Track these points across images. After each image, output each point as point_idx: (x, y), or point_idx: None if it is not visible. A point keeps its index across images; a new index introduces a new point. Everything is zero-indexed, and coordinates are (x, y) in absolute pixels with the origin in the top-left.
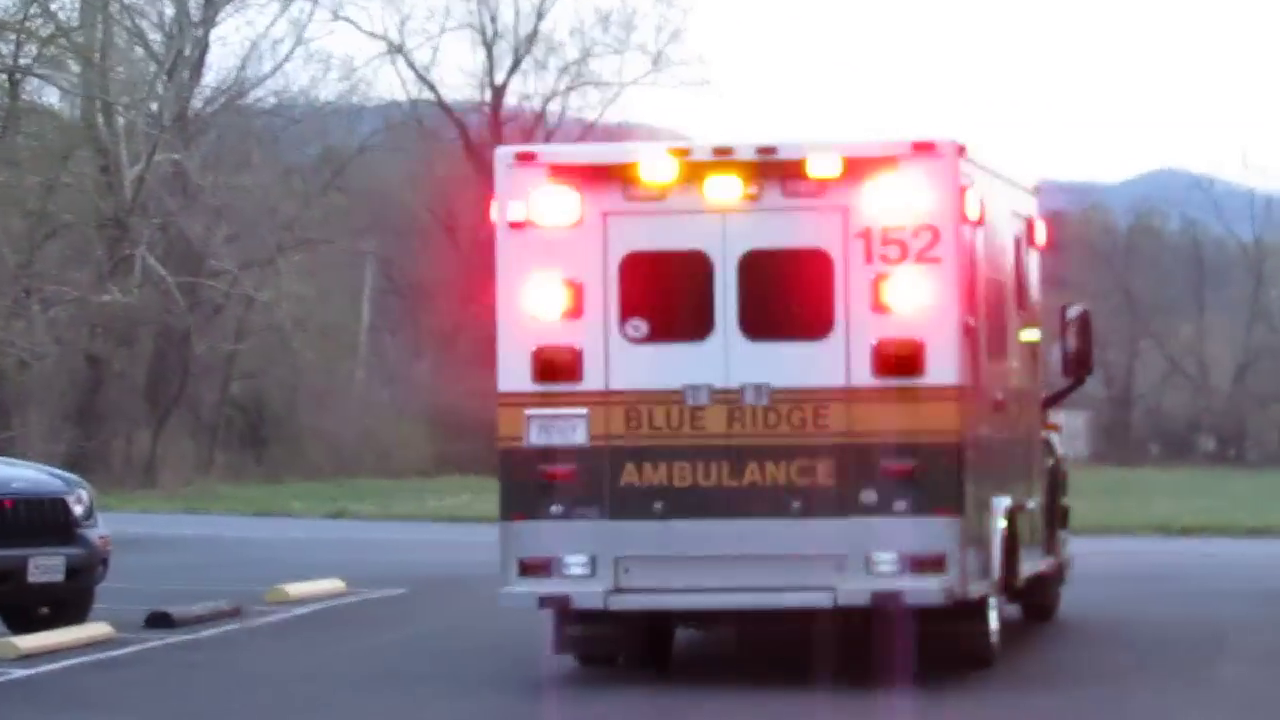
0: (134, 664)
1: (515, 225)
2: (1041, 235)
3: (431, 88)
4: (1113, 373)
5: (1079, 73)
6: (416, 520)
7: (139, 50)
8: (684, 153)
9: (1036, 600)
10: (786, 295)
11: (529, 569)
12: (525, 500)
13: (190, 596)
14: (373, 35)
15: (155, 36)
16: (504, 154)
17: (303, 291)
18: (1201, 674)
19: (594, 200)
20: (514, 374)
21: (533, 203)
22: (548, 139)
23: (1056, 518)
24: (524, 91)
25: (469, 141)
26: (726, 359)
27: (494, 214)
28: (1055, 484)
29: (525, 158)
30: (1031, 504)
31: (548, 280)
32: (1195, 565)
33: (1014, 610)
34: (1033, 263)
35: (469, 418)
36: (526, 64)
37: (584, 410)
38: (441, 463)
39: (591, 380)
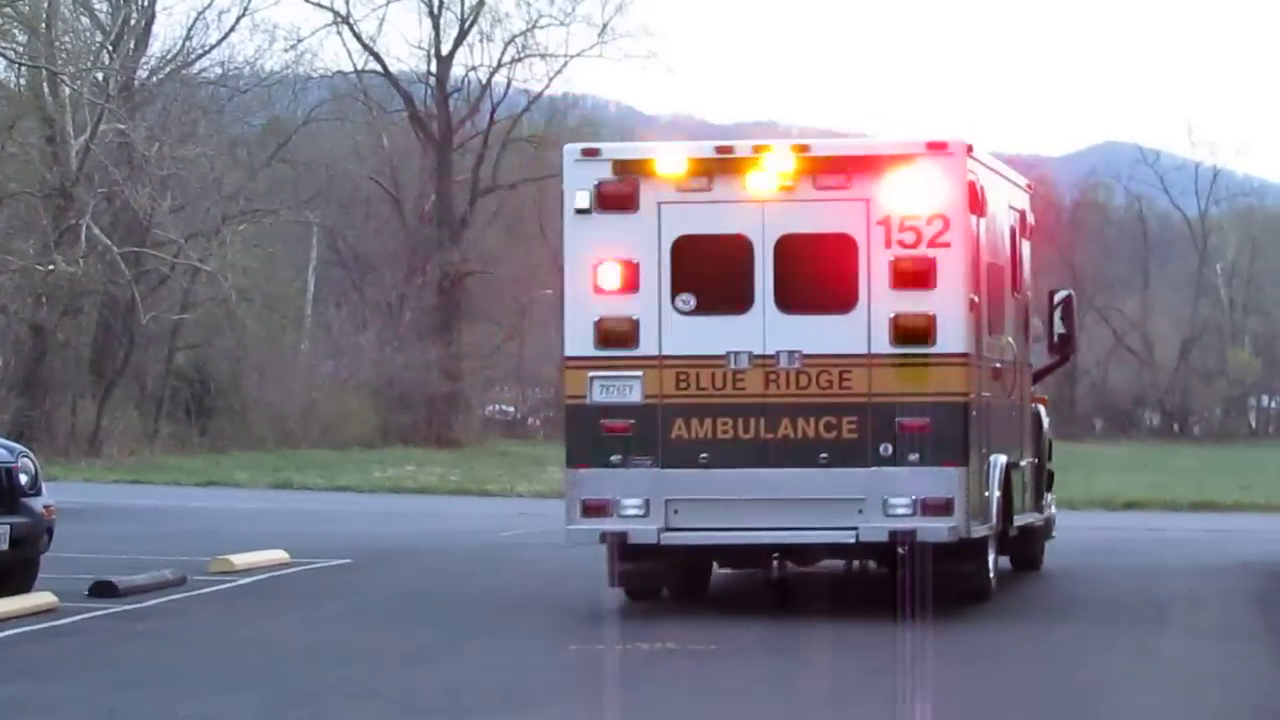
0: (77, 633)
1: (581, 212)
2: (1030, 226)
3: (377, 59)
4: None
5: (1023, 44)
6: (361, 492)
7: (84, 20)
8: (729, 150)
9: (1024, 553)
10: (816, 274)
11: (590, 510)
12: (588, 450)
13: (134, 566)
14: (319, 6)
15: (101, 6)
16: (571, 149)
17: (248, 262)
18: (1146, 648)
19: (650, 191)
20: (578, 341)
21: (596, 193)
22: (493, 111)
23: (1043, 479)
24: (470, 63)
25: (415, 112)
26: (764, 329)
27: (563, 203)
28: (1042, 449)
29: (590, 152)
30: (1024, 463)
31: (609, 260)
32: (1139, 540)
33: (1004, 561)
34: (1025, 251)
35: (413, 390)
36: (472, 35)
37: (639, 373)
38: (386, 434)
39: (646, 347)
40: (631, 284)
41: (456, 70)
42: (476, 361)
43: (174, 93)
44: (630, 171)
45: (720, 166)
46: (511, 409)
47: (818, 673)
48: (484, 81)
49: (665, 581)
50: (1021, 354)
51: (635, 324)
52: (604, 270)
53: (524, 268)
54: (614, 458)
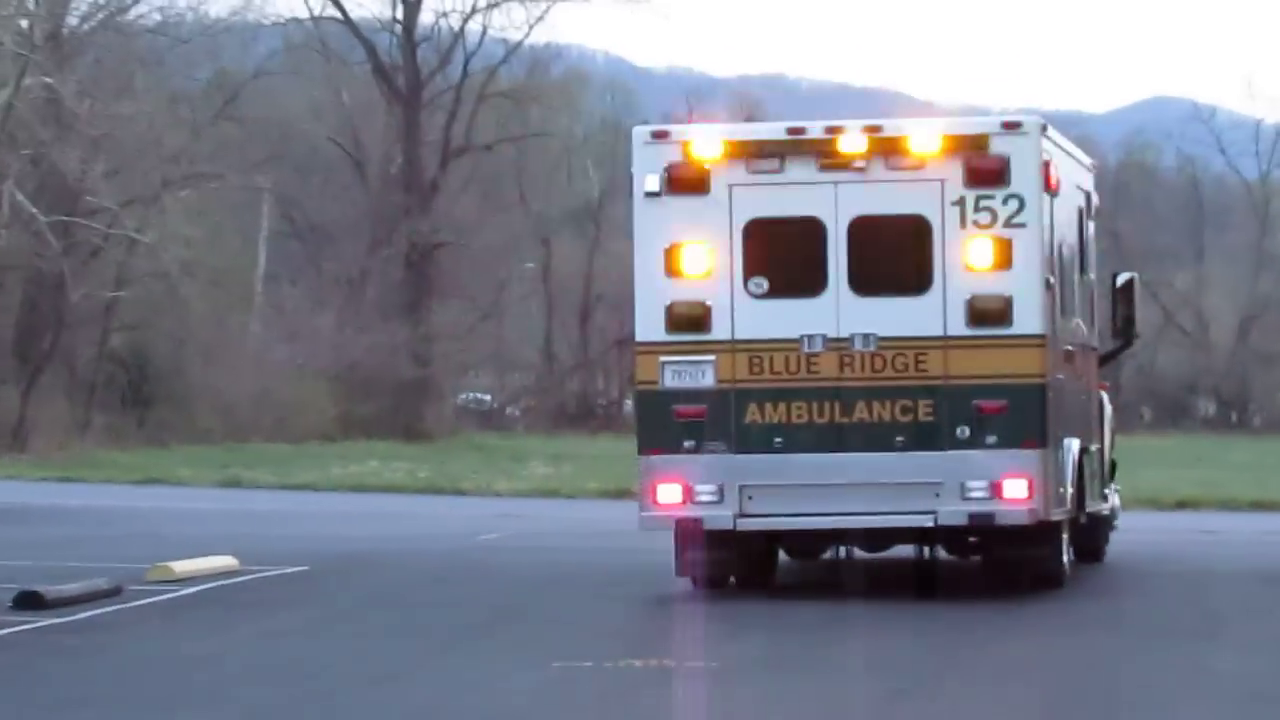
0: (0, 649)
1: (651, 195)
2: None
3: (337, 4)
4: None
5: None
6: (319, 490)
7: None
8: (800, 131)
9: (1090, 542)
10: (890, 256)
11: (664, 495)
12: (660, 436)
13: (64, 574)
14: None
15: None
16: (640, 132)
17: (191, 233)
18: (1200, 665)
19: (721, 173)
20: (650, 326)
21: (667, 176)
22: (466, 63)
23: (1107, 468)
24: (440, 8)
25: (379, 65)
26: (838, 312)
27: (633, 185)
28: (1105, 437)
29: (660, 135)
30: (1094, 448)
31: (679, 243)
32: (1191, 544)
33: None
34: (1091, 232)
35: (378, 376)
36: None
37: (712, 357)
38: (346, 426)
39: (719, 331)
40: (703, 268)
41: (425, 17)
42: (449, 344)
43: (107, 42)
44: (703, 154)
45: (792, 148)
46: (488, 397)
47: (824, 696)
48: (456, 29)
49: (734, 570)
50: (1090, 337)
51: (707, 308)
52: (675, 254)
53: (502, 238)
54: (687, 443)
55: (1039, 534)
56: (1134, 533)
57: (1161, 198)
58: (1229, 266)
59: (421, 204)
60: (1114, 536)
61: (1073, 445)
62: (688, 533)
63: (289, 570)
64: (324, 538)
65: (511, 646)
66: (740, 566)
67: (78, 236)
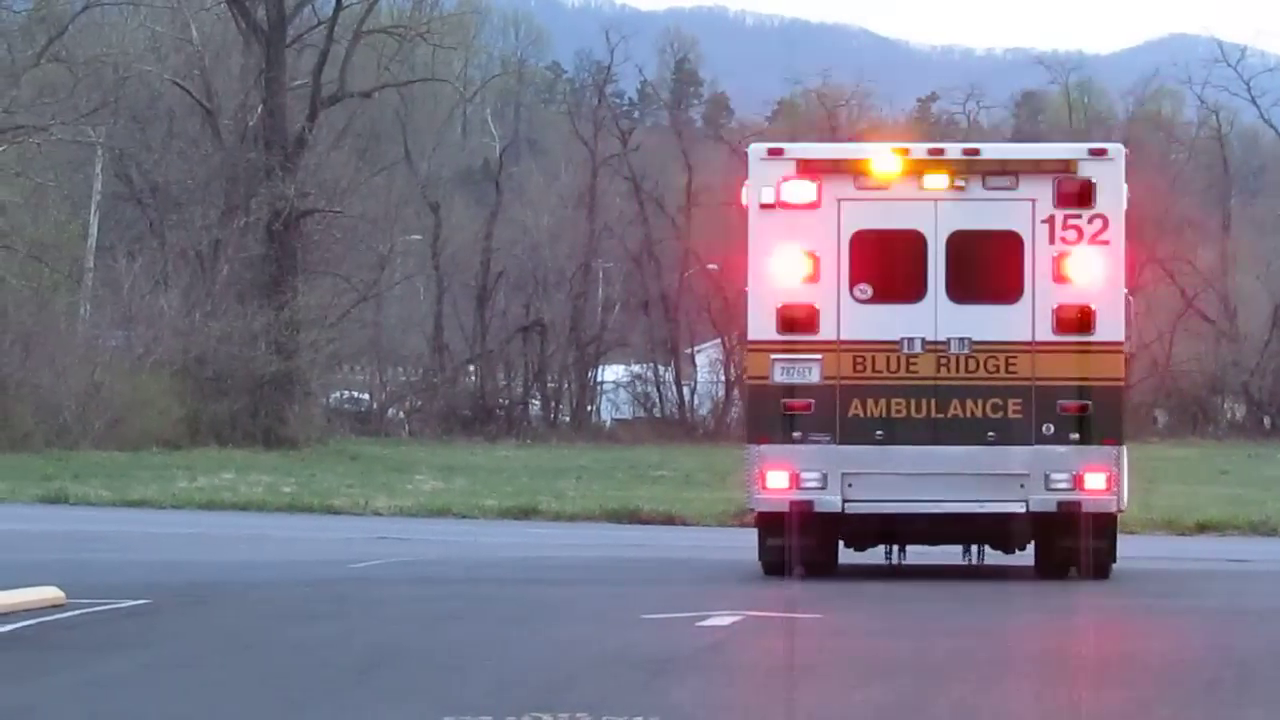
0: None
1: (765, 207)
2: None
3: None
4: None
5: None
6: (161, 508)
7: None
8: (905, 152)
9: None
10: (985, 268)
11: (772, 482)
12: (770, 427)
13: None
14: None
15: None
16: (757, 149)
17: (8, 197)
18: None
19: (830, 188)
20: (762, 326)
21: (780, 189)
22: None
23: None
24: None
25: None
26: (936, 317)
27: (745, 197)
28: None
29: (775, 152)
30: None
31: (791, 252)
32: (1215, 574)
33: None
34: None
35: (232, 370)
36: None
37: (819, 356)
38: (195, 430)
39: (825, 332)
40: (813, 274)
41: None
42: (318, 332)
43: None
44: (813, 170)
45: (897, 167)
46: (366, 396)
47: None
48: None
49: (804, 557)
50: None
51: (815, 311)
52: (786, 261)
53: (383, 204)
54: (795, 434)
55: (1098, 526)
56: (1147, 560)
57: (1181, 156)
58: (1261, 240)
59: (286, 163)
60: (1124, 566)
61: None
62: (786, 518)
63: (124, 605)
64: (167, 565)
65: (391, 697)
66: (809, 555)
67: None
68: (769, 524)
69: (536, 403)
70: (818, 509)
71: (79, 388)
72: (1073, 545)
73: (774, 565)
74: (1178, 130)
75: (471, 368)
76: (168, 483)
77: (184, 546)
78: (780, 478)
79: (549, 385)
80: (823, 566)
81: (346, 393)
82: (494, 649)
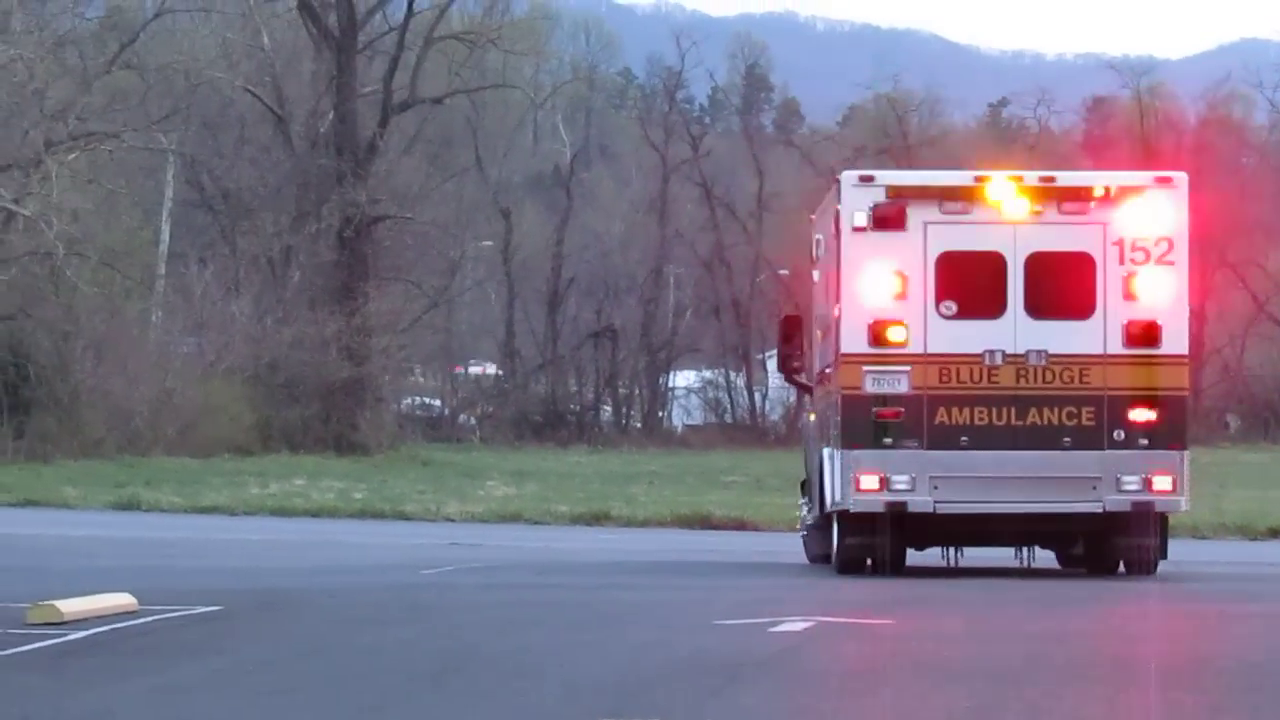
0: None
1: (858, 229)
2: None
3: None
4: None
5: None
6: (233, 514)
7: None
8: (987, 179)
9: None
10: (1060, 286)
11: (865, 485)
12: (862, 433)
13: None
14: None
15: None
16: (849, 176)
17: (80, 204)
18: None
19: (917, 212)
20: (854, 340)
21: (871, 213)
22: (410, 1)
23: None
24: None
25: (307, 2)
26: (1015, 332)
27: (837, 221)
28: None
29: (865, 179)
30: None
31: (882, 271)
32: None
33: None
34: None
35: (304, 376)
36: None
37: (907, 368)
38: (267, 437)
39: (913, 345)
40: (901, 292)
41: None
42: (390, 338)
43: None
44: (902, 196)
45: (980, 193)
46: (438, 403)
47: None
48: None
49: (874, 554)
50: None
51: (905, 326)
52: (876, 281)
53: (454, 210)
54: (886, 440)
55: (1148, 525)
56: (1221, 565)
57: (1252, 160)
58: None
59: (357, 169)
60: (1194, 571)
61: None
62: (868, 519)
63: (197, 611)
64: (239, 572)
65: (463, 702)
66: (879, 553)
67: None
68: (849, 525)
69: (608, 408)
70: (911, 509)
71: (151, 394)
72: (1129, 543)
73: (850, 564)
74: (1249, 134)
75: (543, 374)
76: (239, 489)
77: (256, 553)
78: (872, 481)
79: (620, 391)
80: (894, 565)
81: (418, 399)
82: (566, 654)
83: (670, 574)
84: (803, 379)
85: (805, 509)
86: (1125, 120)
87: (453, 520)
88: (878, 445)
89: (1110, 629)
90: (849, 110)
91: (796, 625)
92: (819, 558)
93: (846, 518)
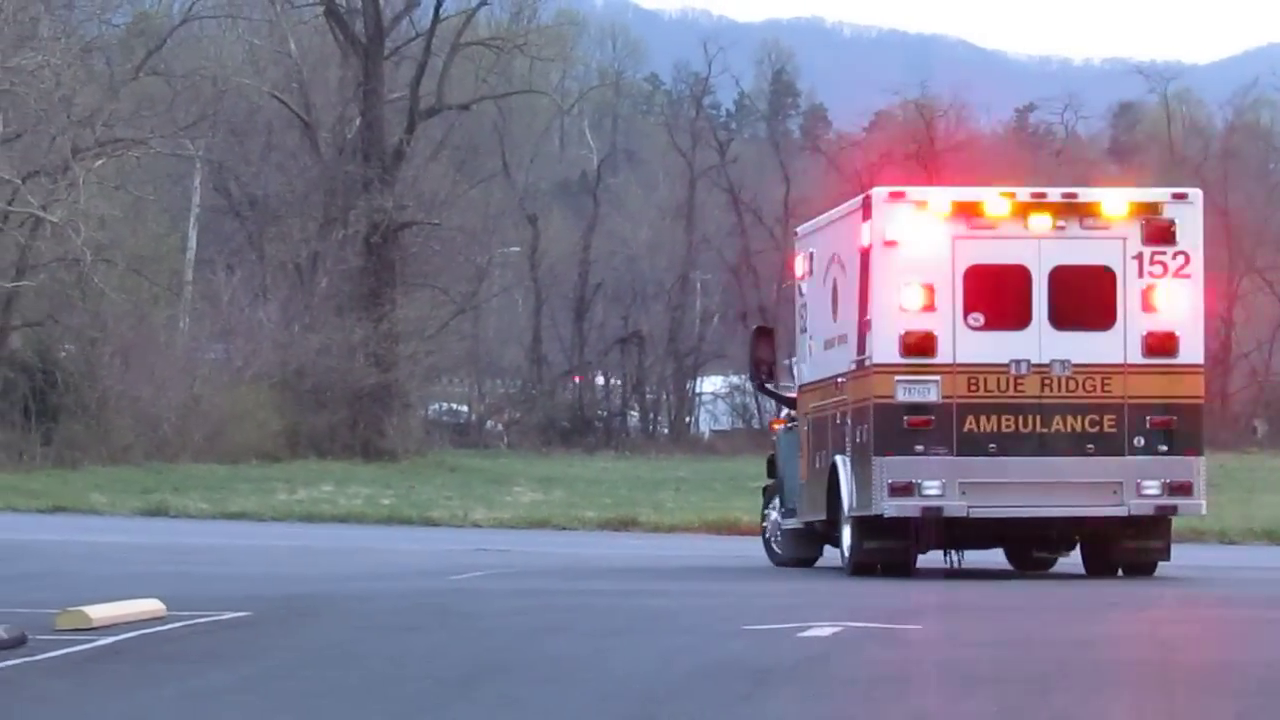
0: None
1: (888, 243)
2: None
3: None
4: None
5: None
6: (261, 520)
7: None
8: (1012, 195)
9: None
10: (1082, 298)
11: (896, 490)
12: (894, 441)
13: None
14: None
15: None
16: (879, 193)
17: (107, 211)
18: None
19: (946, 227)
20: (885, 350)
21: (902, 228)
22: (438, 6)
23: None
24: None
25: (333, 6)
26: (1040, 342)
27: (867, 235)
28: None
29: (897, 195)
30: None
31: (912, 284)
32: None
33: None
34: None
35: (331, 382)
36: None
37: (937, 377)
38: (294, 443)
39: (943, 356)
40: (930, 304)
41: None
42: (417, 344)
43: None
44: (930, 211)
45: (1005, 208)
46: (465, 409)
47: None
48: None
49: (892, 558)
50: None
51: (934, 337)
52: (908, 292)
53: (481, 217)
54: (917, 447)
55: (1155, 527)
56: (1249, 570)
57: (1278, 165)
58: None
59: (383, 175)
60: (1221, 574)
61: None
62: (882, 522)
63: (225, 617)
64: (267, 578)
65: (491, 709)
66: (898, 556)
67: None
68: (867, 529)
69: (635, 414)
70: (947, 514)
71: (178, 401)
72: (1140, 546)
73: (865, 567)
74: (1276, 139)
75: (570, 380)
76: (267, 495)
77: (284, 559)
78: (905, 486)
79: (647, 397)
80: (902, 567)
81: (445, 405)
82: (594, 660)
83: (698, 579)
84: (773, 388)
85: (776, 513)
86: (1152, 125)
87: (480, 526)
88: (910, 452)
89: (1138, 634)
90: (876, 116)
91: (824, 631)
92: (793, 560)
93: (864, 522)
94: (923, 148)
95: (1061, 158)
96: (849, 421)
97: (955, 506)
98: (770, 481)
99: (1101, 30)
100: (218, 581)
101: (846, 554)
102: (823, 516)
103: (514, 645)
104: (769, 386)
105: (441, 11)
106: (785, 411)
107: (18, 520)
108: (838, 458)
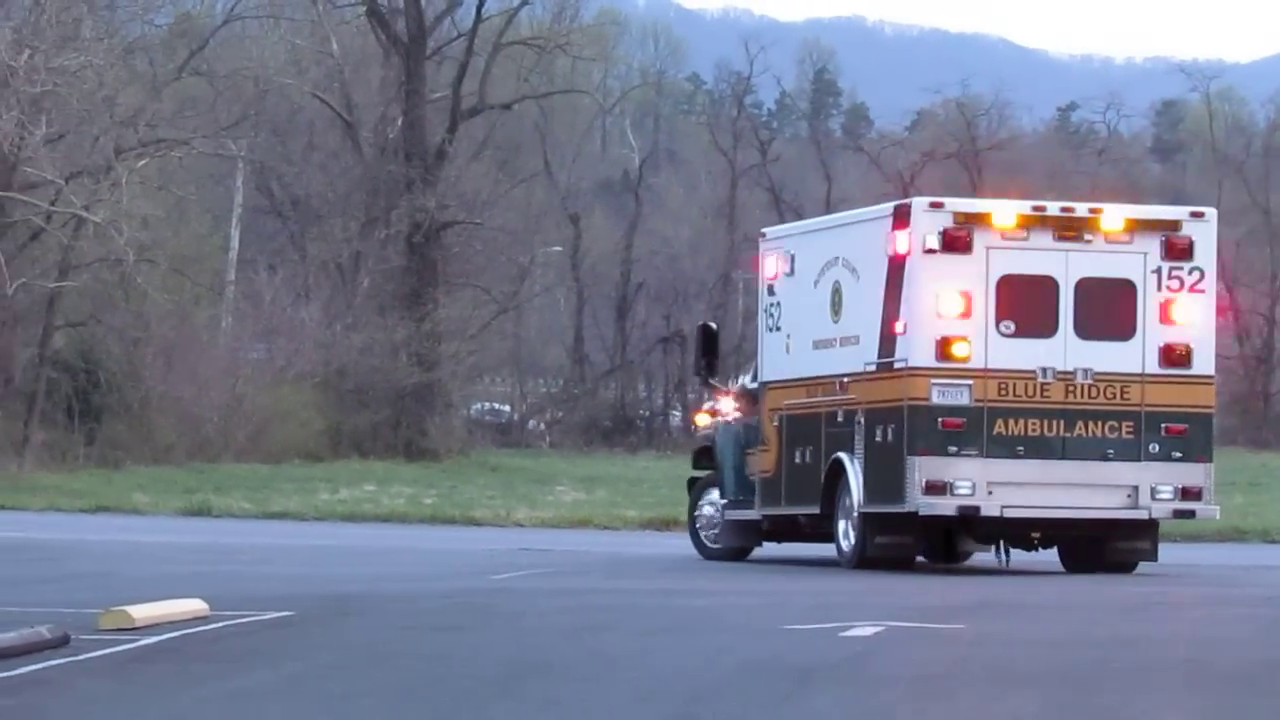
0: None
1: (928, 252)
2: None
3: None
4: (1246, 323)
5: None
6: (303, 520)
7: None
8: (1042, 209)
9: None
10: (1105, 310)
11: (931, 489)
12: (929, 441)
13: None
14: None
15: None
16: (919, 203)
17: (150, 211)
18: None
19: (981, 237)
20: (922, 354)
21: (941, 237)
22: (481, 4)
23: None
24: None
25: (375, 7)
26: (1065, 351)
27: (903, 244)
28: None
29: (935, 205)
30: None
31: (948, 291)
32: None
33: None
34: None
35: (373, 382)
36: None
37: (970, 381)
38: (337, 443)
39: (975, 361)
40: (965, 311)
41: None
42: (459, 344)
43: None
44: (968, 222)
45: (1036, 221)
46: (507, 408)
47: None
48: None
49: (913, 553)
50: None
51: (968, 343)
52: (944, 299)
53: (523, 216)
54: (950, 448)
55: (1143, 529)
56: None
57: None
58: None
59: (425, 175)
60: (1266, 576)
61: None
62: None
63: (268, 616)
64: (309, 578)
65: (534, 708)
66: (912, 550)
67: (14, 215)
68: (879, 525)
69: (677, 413)
70: (984, 513)
71: (221, 401)
72: (1130, 546)
73: (870, 561)
74: None
75: (612, 379)
76: (309, 495)
77: (326, 558)
78: (938, 485)
79: (689, 396)
80: (907, 562)
81: (487, 404)
82: (636, 659)
83: (740, 578)
84: (717, 383)
85: (710, 507)
86: (1194, 124)
87: (522, 526)
88: (944, 453)
89: (1181, 634)
90: (917, 115)
91: (867, 630)
92: (730, 552)
93: (875, 519)
94: (964, 147)
95: (1103, 157)
96: (861, 421)
97: (991, 506)
98: (702, 474)
99: (1143, 29)
100: (260, 581)
101: (848, 548)
102: (812, 511)
103: (556, 644)
104: (713, 381)
105: (483, 11)
106: (711, 404)
107: (61, 520)
108: (842, 455)
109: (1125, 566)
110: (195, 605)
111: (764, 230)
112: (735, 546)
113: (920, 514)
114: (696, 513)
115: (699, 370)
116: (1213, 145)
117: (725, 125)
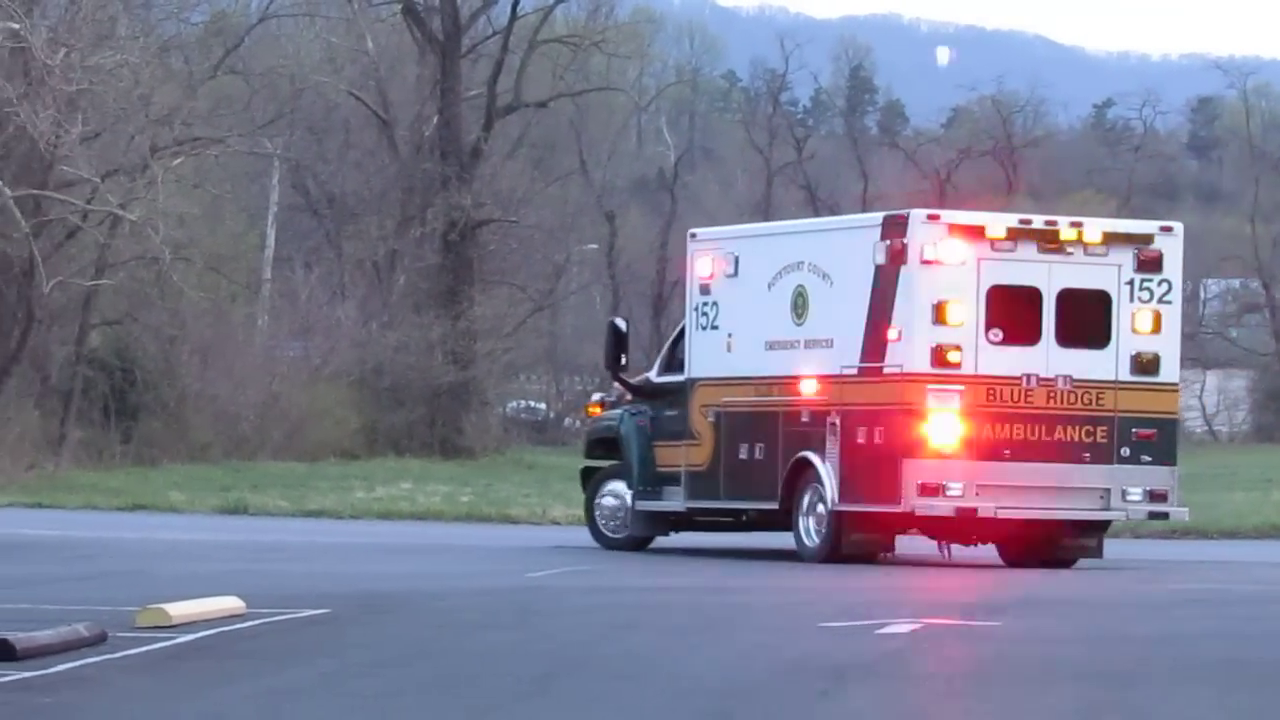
0: None
1: (926, 262)
2: None
3: None
4: None
5: None
6: (339, 518)
7: None
8: (1028, 222)
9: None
10: (1083, 319)
11: (925, 490)
12: (923, 444)
13: (36, 620)
14: None
15: None
16: (917, 214)
17: (186, 209)
18: None
19: (973, 249)
20: (918, 360)
21: (938, 249)
22: (516, 3)
23: None
24: None
25: (410, 4)
26: (1047, 358)
27: (896, 253)
28: None
29: (933, 217)
30: None
31: (945, 301)
32: None
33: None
34: None
35: (409, 380)
36: None
37: (961, 387)
38: (373, 441)
39: (966, 368)
40: (958, 319)
41: None
42: (495, 342)
43: None
44: (963, 233)
45: (1023, 233)
46: (542, 406)
47: None
48: None
49: (882, 549)
50: None
51: (960, 350)
52: (939, 308)
53: (559, 214)
54: (944, 450)
55: (1093, 527)
56: None
57: None
58: None
59: (461, 173)
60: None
61: None
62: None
63: (304, 614)
64: (346, 575)
65: (569, 706)
66: (889, 547)
67: (50, 214)
68: (853, 524)
69: None
70: (980, 514)
71: (257, 399)
72: (1080, 543)
73: (839, 556)
74: None
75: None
76: (345, 493)
77: (362, 556)
78: (933, 487)
79: None
80: (873, 557)
81: (523, 402)
82: (672, 657)
83: (775, 576)
84: (625, 377)
85: (612, 498)
86: (1231, 120)
87: (559, 524)
88: (937, 455)
89: (1217, 631)
90: (953, 112)
91: (902, 628)
92: (634, 542)
93: (848, 517)
94: (1000, 144)
95: (1139, 154)
96: (835, 422)
97: (985, 506)
98: (602, 464)
99: (1180, 25)
100: (296, 579)
101: (814, 543)
102: (764, 506)
103: (591, 642)
104: (622, 376)
105: (519, 9)
106: (600, 397)
107: (98, 518)
108: (808, 454)
109: (1066, 563)
110: (232, 603)
111: (694, 231)
112: (640, 536)
113: (917, 514)
114: (597, 502)
115: (609, 365)
116: (1249, 142)
117: (761, 123)
